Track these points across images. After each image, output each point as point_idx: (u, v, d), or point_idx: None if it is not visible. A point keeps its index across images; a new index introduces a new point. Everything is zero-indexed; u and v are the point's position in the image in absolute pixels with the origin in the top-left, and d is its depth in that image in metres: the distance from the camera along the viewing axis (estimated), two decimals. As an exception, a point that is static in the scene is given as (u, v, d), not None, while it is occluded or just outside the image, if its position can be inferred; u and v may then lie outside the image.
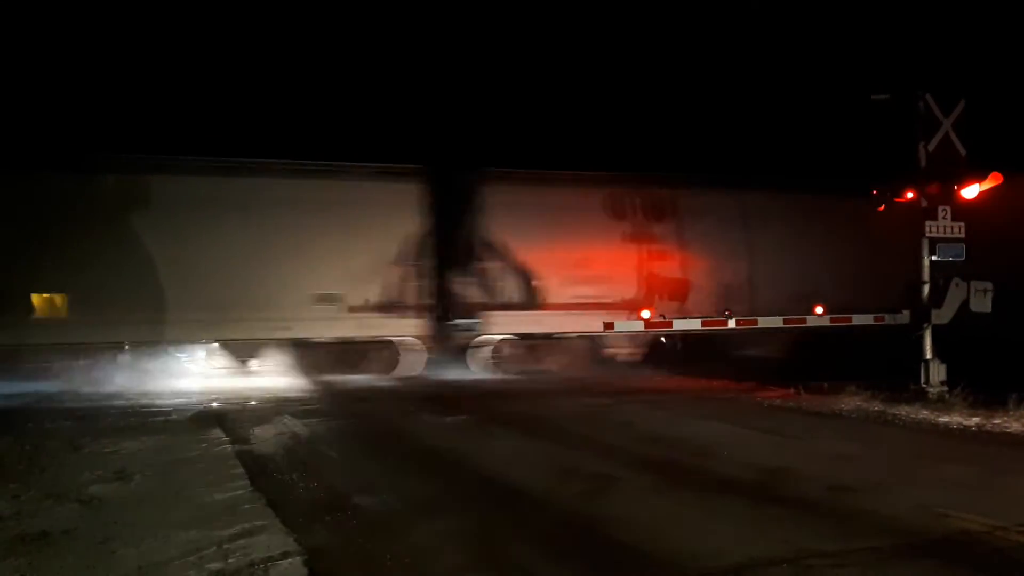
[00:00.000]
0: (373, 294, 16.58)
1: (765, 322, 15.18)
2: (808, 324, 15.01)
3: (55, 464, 8.07)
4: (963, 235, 12.68)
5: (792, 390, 13.17)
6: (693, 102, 23.28)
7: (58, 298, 15.29)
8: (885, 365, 12.46)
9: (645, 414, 11.53)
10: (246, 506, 6.31)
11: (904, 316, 13.47)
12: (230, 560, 5.02)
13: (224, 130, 18.28)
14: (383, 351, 17.26)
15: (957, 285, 12.79)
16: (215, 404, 12.94)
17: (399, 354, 17.23)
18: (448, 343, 17.33)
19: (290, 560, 4.98)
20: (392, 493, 6.72)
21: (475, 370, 17.47)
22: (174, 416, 11.53)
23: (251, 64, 22.06)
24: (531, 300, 17.32)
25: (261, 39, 22.27)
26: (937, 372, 12.41)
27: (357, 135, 21.13)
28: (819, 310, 15.07)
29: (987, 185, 12.22)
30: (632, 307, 16.73)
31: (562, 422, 10.84)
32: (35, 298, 15.23)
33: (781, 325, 15.19)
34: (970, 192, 12.33)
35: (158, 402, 13.20)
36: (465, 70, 23.53)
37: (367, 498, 6.56)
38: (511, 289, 17.27)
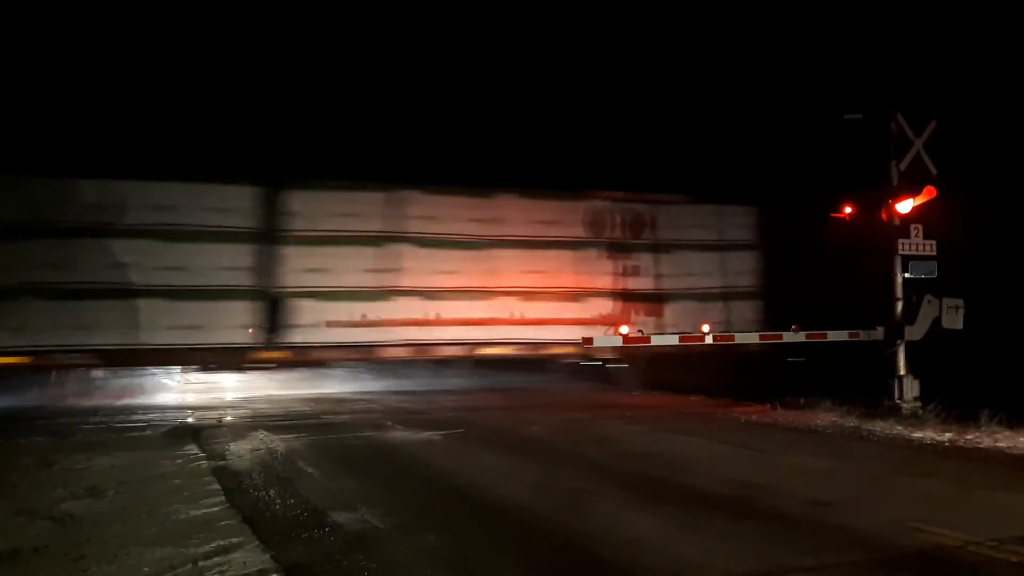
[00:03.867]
0: None
1: (742, 338, 15.31)
2: (784, 340, 15.15)
3: (26, 480, 7.94)
4: (935, 252, 12.90)
5: (768, 406, 13.28)
6: (664, 118, 23.44)
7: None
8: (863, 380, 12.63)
9: (624, 429, 11.56)
10: (222, 523, 6.24)
11: (878, 332, 13.65)
12: (205, 578, 4.96)
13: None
14: None
15: (929, 302, 12.99)
16: (190, 419, 12.80)
17: None
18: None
19: (267, 577, 4.93)
20: (370, 510, 6.68)
21: None
22: (149, 432, 11.39)
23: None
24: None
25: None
26: (911, 388, 12.58)
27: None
28: (793, 326, 15.23)
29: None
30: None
31: (542, 437, 10.84)
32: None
33: (757, 341, 15.32)
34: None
35: (133, 417, 13.03)
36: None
37: (345, 515, 6.52)
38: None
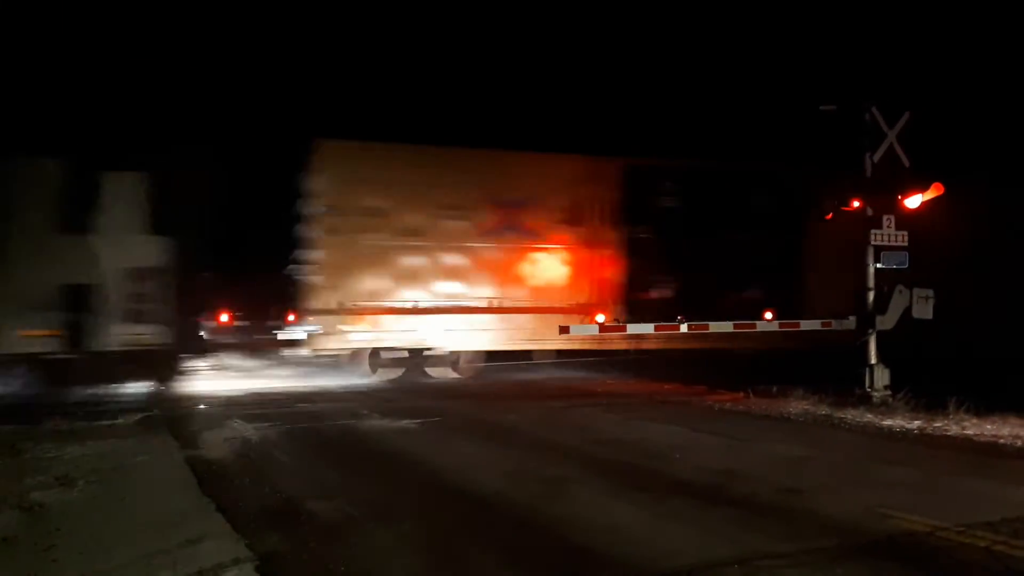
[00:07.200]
0: None
1: (716, 327, 15.41)
2: (758, 329, 15.28)
3: (-6, 470, 7.82)
4: (906, 243, 13.06)
5: (742, 394, 13.40)
6: (646, 111, 23.54)
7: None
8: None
9: (599, 417, 11.61)
10: (195, 512, 6.19)
11: (851, 322, 13.80)
12: (178, 567, 4.92)
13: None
14: None
15: (900, 292, 13.15)
16: (163, 408, 12.65)
17: None
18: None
19: (241, 567, 4.90)
20: (346, 498, 6.66)
21: None
22: (121, 420, 11.24)
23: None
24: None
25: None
26: (881, 377, 12.74)
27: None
28: (768, 315, 15.37)
29: (929, 195, 12.62)
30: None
31: (518, 425, 10.86)
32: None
33: (732, 330, 15.43)
34: (913, 202, 12.72)
35: (105, 405, 12.85)
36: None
37: (320, 503, 6.49)
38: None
